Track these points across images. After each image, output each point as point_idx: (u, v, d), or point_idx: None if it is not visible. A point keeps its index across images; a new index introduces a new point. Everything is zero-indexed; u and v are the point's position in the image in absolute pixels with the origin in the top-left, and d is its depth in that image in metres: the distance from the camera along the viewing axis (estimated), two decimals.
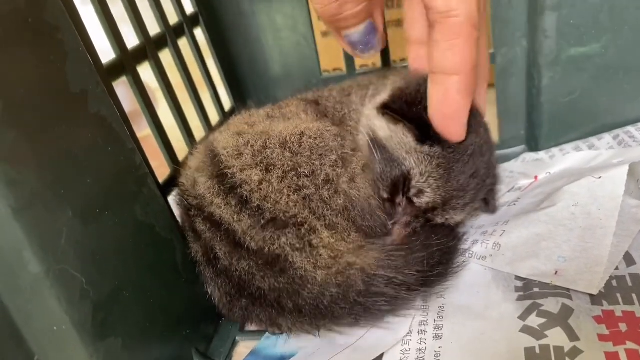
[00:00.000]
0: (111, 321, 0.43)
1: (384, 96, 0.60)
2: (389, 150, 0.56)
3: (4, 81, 0.37)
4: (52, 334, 0.40)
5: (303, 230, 0.51)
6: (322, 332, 0.53)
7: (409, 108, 0.56)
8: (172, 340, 0.51)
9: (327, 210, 0.52)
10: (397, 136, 0.56)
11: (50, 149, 0.40)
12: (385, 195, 0.56)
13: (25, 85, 0.39)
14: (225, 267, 0.52)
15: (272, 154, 0.53)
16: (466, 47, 0.49)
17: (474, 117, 0.55)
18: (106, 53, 0.54)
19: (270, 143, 0.54)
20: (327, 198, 0.52)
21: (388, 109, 0.56)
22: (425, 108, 0.53)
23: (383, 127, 0.58)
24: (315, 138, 0.55)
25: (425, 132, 0.54)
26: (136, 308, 0.46)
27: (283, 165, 0.53)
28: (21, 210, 0.37)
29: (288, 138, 0.54)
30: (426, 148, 0.55)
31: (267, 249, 0.51)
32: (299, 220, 0.51)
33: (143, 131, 0.62)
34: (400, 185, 0.56)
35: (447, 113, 0.52)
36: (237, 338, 0.58)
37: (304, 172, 0.53)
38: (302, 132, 0.55)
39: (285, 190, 0.52)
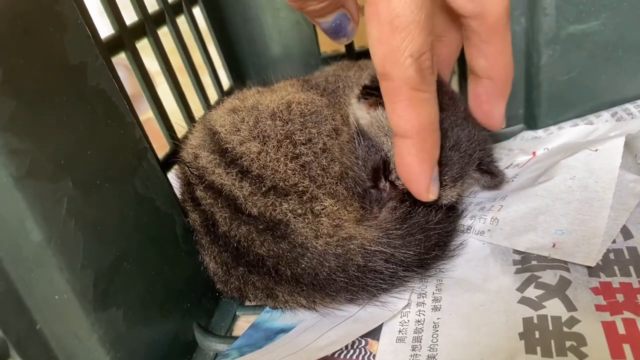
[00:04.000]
0: (112, 292, 0.44)
1: (365, 81, 0.61)
2: (370, 136, 0.57)
3: (3, 51, 0.37)
4: (54, 302, 0.40)
5: (305, 198, 0.52)
6: (319, 307, 0.53)
7: None
8: (173, 314, 0.51)
9: (327, 178, 0.53)
10: (376, 121, 0.57)
11: (50, 120, 0.40)
12: (369, 183, 0.56)
13: (25, 56, 0.39)
14: (224, 233, 0.52)
15: (264, 127, 0.54)
16: (408, 109, 0.46)
17: (447, 93, 0.57)
18: (105, 32, 0.55)
19: (261, 117, 0.55)
20: (325, 166, 0.53)
21: (368, 89, 0.57)
22: None
23: (364, 116, 0.59)
24: (305, 104, 0.56)
25: None
26: (137, 280, 0.47)
27: (276, 134, 0.54)
28: (22, 179, 0.37)
29: (276, 108, 0.55)
30: None
31: (268, 214, 0.51)
32: (300, 189, 0.52)
33: (144, 114, 0.62)
34: (380, 169, 0.56)
35: (405, 175, 0.50)
36: (237, 313, 0.59)
37: (300, 140, 0.53)
38: (290, 101, 0.56)
39: (282, 159, 0.52)
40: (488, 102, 0.54)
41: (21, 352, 0.38)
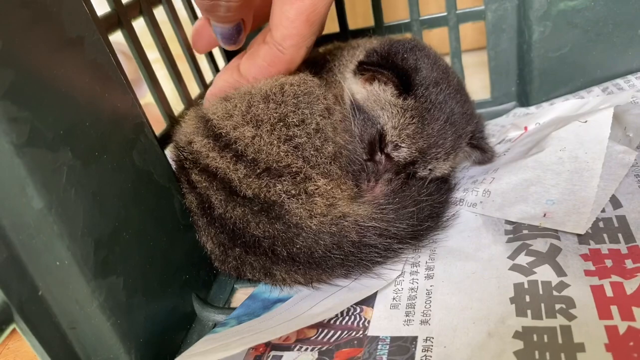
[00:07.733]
0: (112, 260, 0.44)
1: (360, 57, 0.62)
2: (366, 110, 0.58)
3: (1, 22, 0.38)
4: (55, 269, 0.41)
5: (299, 179, 0.52)
6: (315, 284, 0.54)
7: (384, 61, 0.58)
8: (172, 285, 0.52)
9: (321, 158, 0.53)
10: (372, 95, 0.58)
11: (49, 91, 0.41)
12: (365, 157, 0.57)
13: (23, 27, 0.39)
14: (220, 215, 0.53)
15: (257, 110, 0.54)
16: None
17: (441, 66, 0.59)
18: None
19: (254, 101, 0.55)
20: (319, 146, 0.54)
21: (365, 64, 0.57)
22: (401, 60, 0.57)
23: (360, 90, 0.59)
24: (298, 85, 0.56)
25: (404, 81, 0.56)
26: (136, 250, 0.48)
27: (270, 118, 0.54)
28: (22, 147, 0.38)
29: (269, 91, 0.56)
30: (400, 101, 0.56)
31: (262, 195, 0.52)
32: (294, 170, 0.52)
33: (143, 99, 0.63)
34: (376, 143, 0.57)
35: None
36: (235, 286, 0.60)
37: (293, 122, 0.54)
38: (283, 83, 0.56)
39: (276, 141, 0.53)
40: None
41: (24, 317, 0.39)
